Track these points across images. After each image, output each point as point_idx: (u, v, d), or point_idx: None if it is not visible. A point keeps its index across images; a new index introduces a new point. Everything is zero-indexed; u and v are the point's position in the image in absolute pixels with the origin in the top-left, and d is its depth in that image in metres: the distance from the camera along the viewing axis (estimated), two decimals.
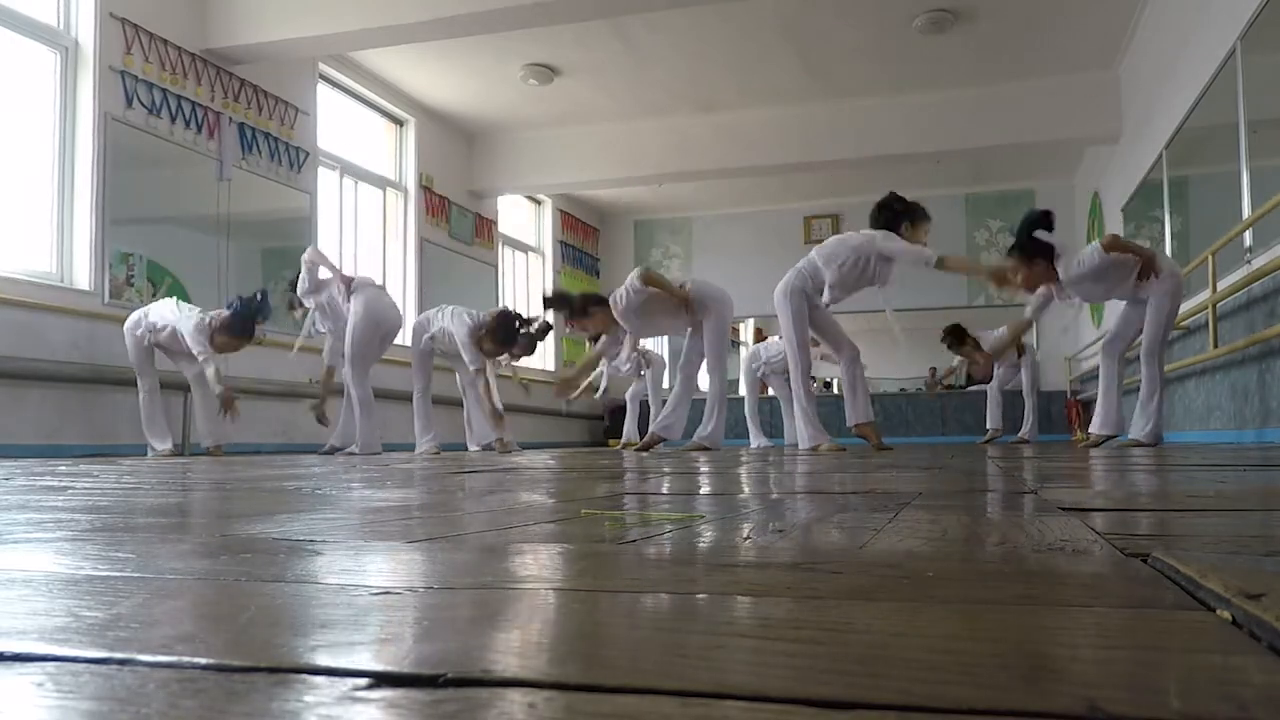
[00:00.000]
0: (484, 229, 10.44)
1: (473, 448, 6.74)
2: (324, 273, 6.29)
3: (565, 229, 12.21)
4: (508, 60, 8.32)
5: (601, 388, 8.52)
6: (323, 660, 0.39)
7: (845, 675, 0.36)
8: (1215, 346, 5.72)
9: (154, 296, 6.21)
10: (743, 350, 12.86)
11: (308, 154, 7.78)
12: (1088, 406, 10.99)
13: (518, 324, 6.28)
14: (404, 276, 9.19)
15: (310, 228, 7.77)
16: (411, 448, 6.70)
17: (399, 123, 9.31)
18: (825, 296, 5.23)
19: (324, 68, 8.10)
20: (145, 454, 5.71)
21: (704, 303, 5.68)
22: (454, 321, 6.26)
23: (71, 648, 0.42)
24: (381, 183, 9.12)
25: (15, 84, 5.82)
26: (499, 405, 6.29)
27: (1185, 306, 6.62)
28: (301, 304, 6.48)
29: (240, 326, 5.63)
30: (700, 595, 0.54)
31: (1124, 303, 5.21)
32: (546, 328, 6.49)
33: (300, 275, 6.25)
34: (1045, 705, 0.31)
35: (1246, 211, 5.39)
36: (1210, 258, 5.77)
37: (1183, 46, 6.57)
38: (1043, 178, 11.33)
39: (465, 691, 0.34)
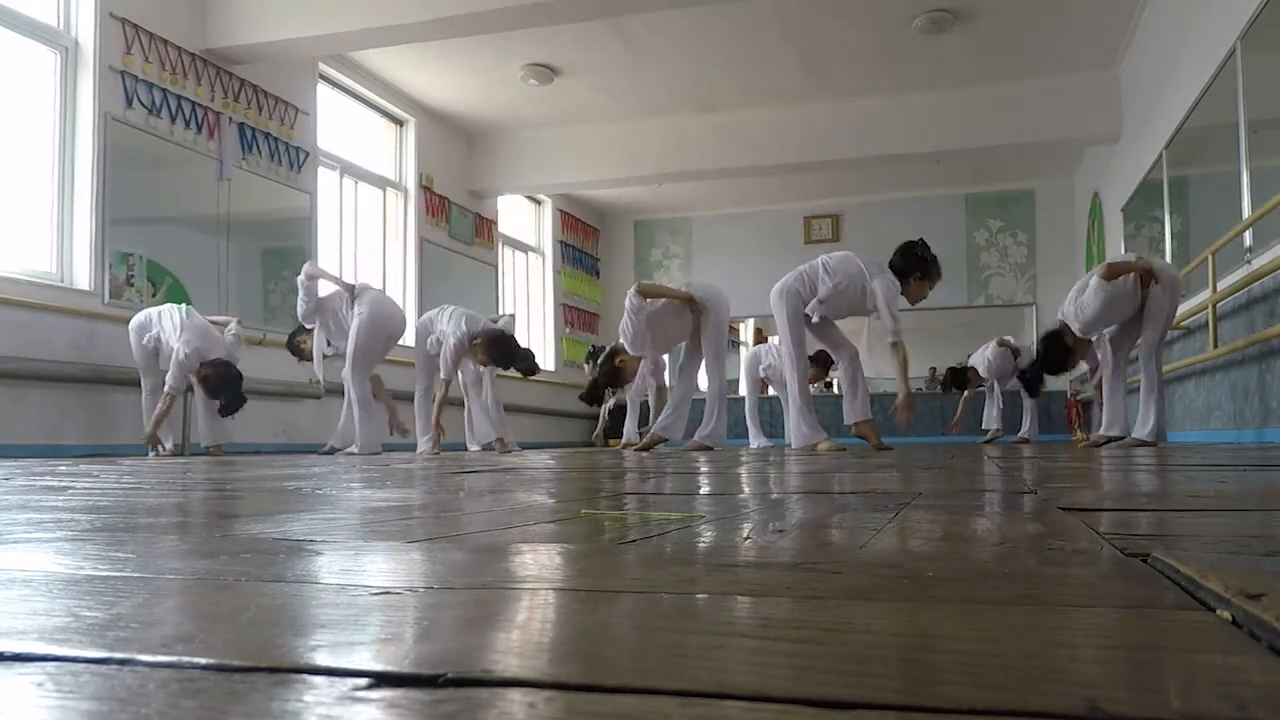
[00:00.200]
0: (484, 229, 10.45)
1: (472, 447, 6.73)
2: (324, 288, 6.24)
3: (565, 229, 12.21)
4: (508, 60, 8.32)
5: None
6: (323, 660, 0.39)
7: (845, 675, 0.36)
8: (1215, 346, 5.72)
9: (154, 297, 6.21)
10: (743, 350, 12.85)
11: (308, 154, 7.78)
12: (1087, 406, 11.00)
13: (514, 347, 6.28)
14: (404, 277, 9.19)
15: (310, 228, 7.77)
16: (411, 448, 6.70)
17: (399, 123, 9.31)
18: (813, 310, 5.25)
19: (324, 68, 8.10)
20: (146, 454, 5.71)
21: (703, 303, 5.69)
22: (450, 325, 6.25)
23: (71, 648, 0.42)
24: (381, 183, 9.12)
25: (15, 84, 5.83)
26: (439, 417, 6.28)
27: (1185, 307, 6.63)
28: (301, 349, 6.47)
29: (217, 393, 5.67)
30: (700, 595, 0.54)
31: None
32: (533, 369, 6.60)
33: (299, 297, 6.15)
34: (1045, 705, 0.31)
35: (1246, 211, 5.39)
36: (1210, 258, 5.77)
37: (1183, 46, 6.57)
38: (1043, 178, 11.34)
39: (465, 691, 0.34)
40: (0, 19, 5.60)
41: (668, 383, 6.13)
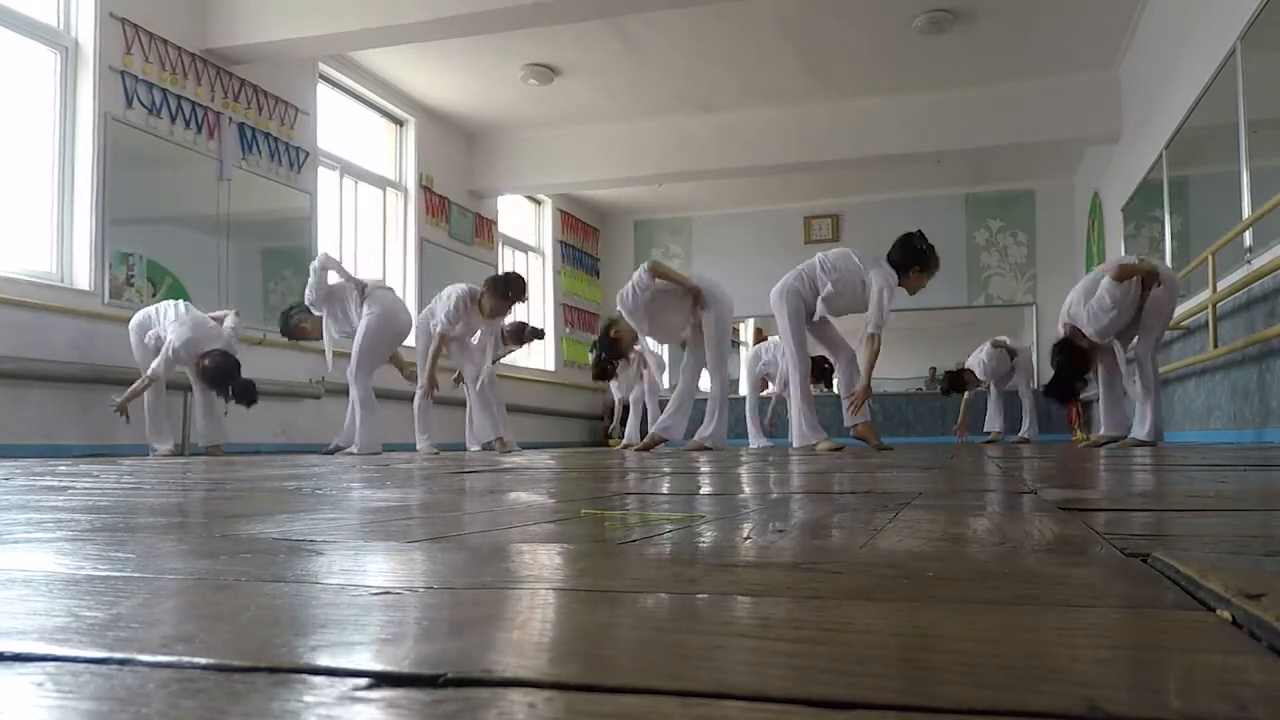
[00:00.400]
0: (484, 229, 10.45)
1: (472, 447, 6.73)
2: (333, 278, 6.23)
3: (565, 229, 12.21)
4: (508, 60, 8.32)
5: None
6: (323, 660, 0.39)
7: (845, 675, 0.36)
8: (1215, 346, 5.72)
9: (154, 296, 6.21)
10: (743, 350, 12.85)
11: (308, 154, 7.78)
12: (1088, 406, 10.99)
13: (518, 284, 6.26)
14: (404, 276, 9.19)
15: (310, 228, 7.77)
16: (411, 448, 6.70)
17: (399, 123, 9.31)
18: (817, 309, 5.25)
19: (324, 68, 8.10)
20: (145, 454, 5.71)
21: (708, 298, 5.67)
22: (447, 293, 6.25)
23: (71, 648, 0.42)
24: (381, 183, 9.12)
25: (15, 84, 5.82)
26: (434, 378, 6.25)
27: (1185, 306, 6.63)
28: (299, 329, 6.39)
29: (218, 383, 5.66)
30: (700, 595, 0.54)
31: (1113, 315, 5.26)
32: (538, 333, 6.55)
33: (310, 282, 6.15)
34: (1045, 705, 0.31)
35: (1246, 211, 5.39)
36: (1210, 258, 5.77)
37: (1183, 46, 6.57)
38: (1043, 178, 11.34)
39: (465, 691, 0.34)
40: (0, 19, 5.60)
41: (667, 383, 6.12)
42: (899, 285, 5.13)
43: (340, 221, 8.50)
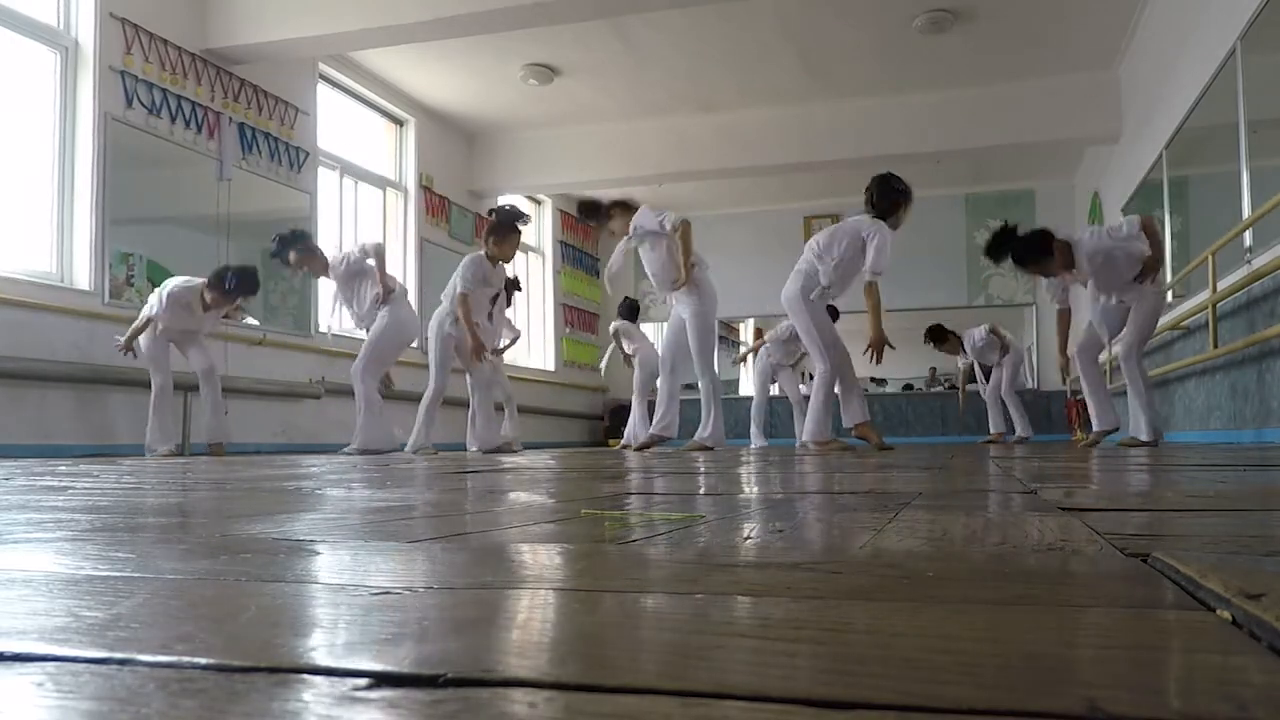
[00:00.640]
0: (484, 229, 10.43)
1: (472, 448, 6.72)
2: (369, 263, 6.13)
3: (565, 229, 12.21)
4: (508, 60, 8.32)
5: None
6: (323, 660, 0.39)
7: (845, 675, 0.36)
8: (1215, 346, 5.72)
9: None
10: (741, 349, 12.83)
11: (308, 154, 7.78)
12: (1087, 406, 10.98)
13: (518, 214, 6.30)
14: (404, 277, 9.18)
15: (310, 228, 7.76)
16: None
17: (399, 123, 9.31)
18: (826, 287, 5.26)
19: (324, 68, 8.10)
20: (145, 454, 5.71)
21: (695, 289, 5.65)
22: (461, 268, 6.23)
23: (71, 648, 0.42)
24: (381, 183, 9.12)
25: (15, 84, 5.82)
26: (479, 339, 6.18)
27: (1185, 306, 6.64)
28: (297, 260, 6.15)
29: (216, 280, 5.63)
30: (700, 595, 0.54)
31: (1098, 308, 5.26)
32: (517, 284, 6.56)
33: (351, 252, 6.11)
34: (1045, 705, 0.31)
35: (1246, 211, 5.39)
36: (1210, 258, 5.77)
37: (1183, 46, 6.57)
38: (1043, 178, 11.34)
39: (465, 691, 0.34)
40: (0, 19, 5.60)
41: (660, 384, 6.06)
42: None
43: (340, 221, 8.50)
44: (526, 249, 11.70)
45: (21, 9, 5.72)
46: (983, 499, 1.35)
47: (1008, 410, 9.14)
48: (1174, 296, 7.22)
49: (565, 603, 0.54)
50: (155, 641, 0.43)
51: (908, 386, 14.09)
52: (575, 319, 12.41)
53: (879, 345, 5.13)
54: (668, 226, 5.53)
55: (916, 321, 11.11)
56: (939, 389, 13.67)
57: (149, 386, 5.73)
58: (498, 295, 6.61)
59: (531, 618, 0.50)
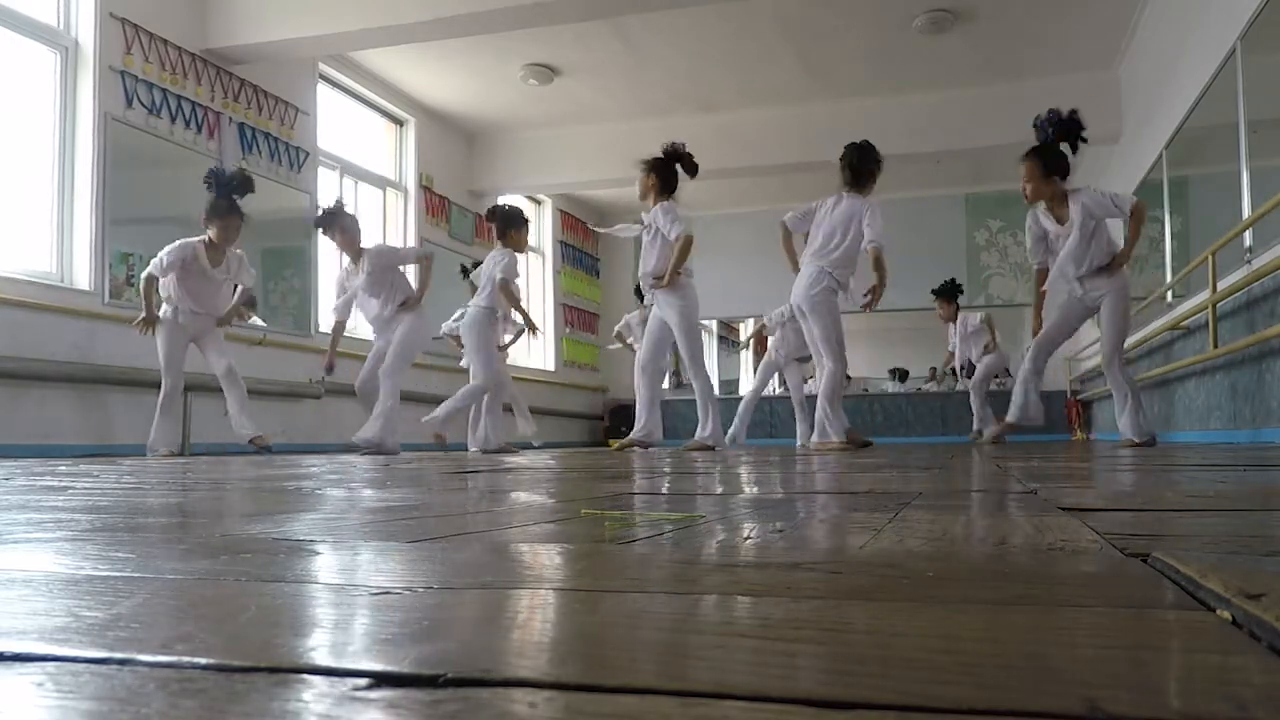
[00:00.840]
0: (484, 229, 10.43)
1: (473, 449, 6.73)
2: (408, 267, 6.25)
3: (565, 229, 12.21)
4: (508, 60, 8.32)
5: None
6: (323, 660, 0.39)
7: (845, 675, 0.36)
8: (1215, 346, 5.72)
9: None
10: (743, 353, 12.84)
11: (308, 154, 7.78)
12: (1088, 406, 11.00)
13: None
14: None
15: (310, 228, 7.77)
16: (413, 448, 6.69)
17: (399, 123, 9.31)
18: (841, 284, 5.31)
19: (324, 68, 8.10)
20: (146, 454, 5.70)
21: (677, 291, 5.63)
22: (494, 264, 6.35)
23: (71, 648, 0.42)
24: (381, 183, 9.12)
25: (15, 84, 5.83)
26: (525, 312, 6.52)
27: (1185, 306, 6.63)
28: (337, 226, 6.17)
29: (219, 205, 5.52)
30: (700, 595, 0.54)
31: (1059, 304, 5.28)
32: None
33: (401, 245, 6.21)
34: (1045, 705, 0.31)
35: (1246, 211, 5.39)
36: (1210, 258, 5.77)
37: (1183, 46, 6.57)
38: None
39: (465, 691, 0.34)
40: (0, 19, 5.60)
41: (637, 389, 6.04)
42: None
43: None
44: (527, 250, 11.71)
45: (21, 9, 5.72)
46: (983, 499, 1.35)
47: (1000, 408, 9.14)
48: (1174, 296, 7.22)
49: (565, 603, 0.54)
50: (155, 641, 0.43)
51: (903, 376, 14.07)
52: (575, 319, 12.42)
53: (879, 292, 5.31)
54: (673, 236, 5.53)
55: (916, 321, 11.13)
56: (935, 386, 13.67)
57: (150, 386, 5.72)
58: None
59: (531, 618, 0.50)
